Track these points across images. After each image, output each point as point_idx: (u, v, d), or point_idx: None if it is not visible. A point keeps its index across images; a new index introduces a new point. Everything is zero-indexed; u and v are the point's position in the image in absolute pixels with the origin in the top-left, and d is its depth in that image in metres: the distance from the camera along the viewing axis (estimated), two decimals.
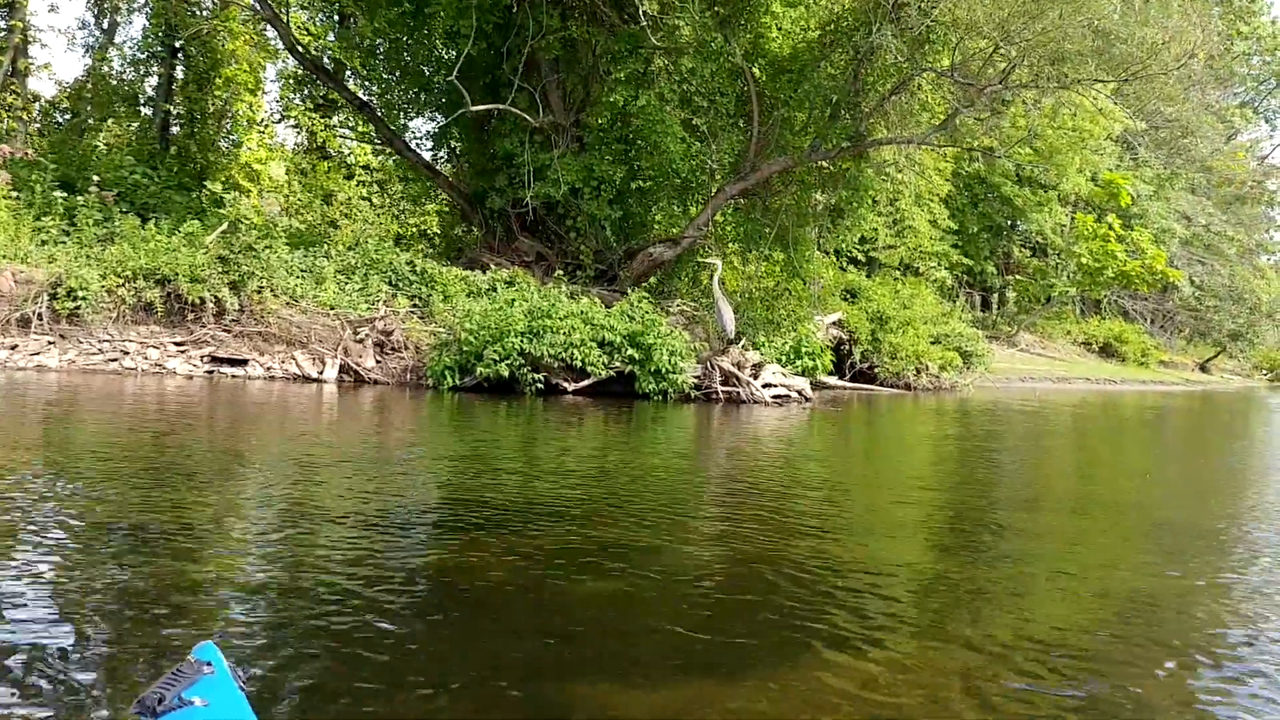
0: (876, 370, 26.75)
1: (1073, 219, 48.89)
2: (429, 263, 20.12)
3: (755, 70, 22.27)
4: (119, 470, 7.70)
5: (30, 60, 33.06)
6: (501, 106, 21.66)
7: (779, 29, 23.13)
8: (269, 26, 26.27)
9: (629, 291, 19.43)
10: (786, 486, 9.17)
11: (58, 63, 55.20)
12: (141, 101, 33.54)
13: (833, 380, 24.76)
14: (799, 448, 12.98)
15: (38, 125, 33.14)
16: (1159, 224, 50.50)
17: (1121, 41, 18.55)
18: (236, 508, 6.70)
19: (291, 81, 31.92)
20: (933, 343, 28.41)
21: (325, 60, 28.36)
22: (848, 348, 26.86)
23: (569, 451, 10.88)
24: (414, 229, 31.19)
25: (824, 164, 22.92)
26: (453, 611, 4.66)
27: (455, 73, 20.99)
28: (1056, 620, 4.89)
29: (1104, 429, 20.18)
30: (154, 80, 33.42)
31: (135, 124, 33.17)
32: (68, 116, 34.38)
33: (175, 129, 33.75)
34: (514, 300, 17.34)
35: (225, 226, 17.85)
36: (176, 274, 16.67)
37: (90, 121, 33.67)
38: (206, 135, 33.54)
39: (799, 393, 19.38)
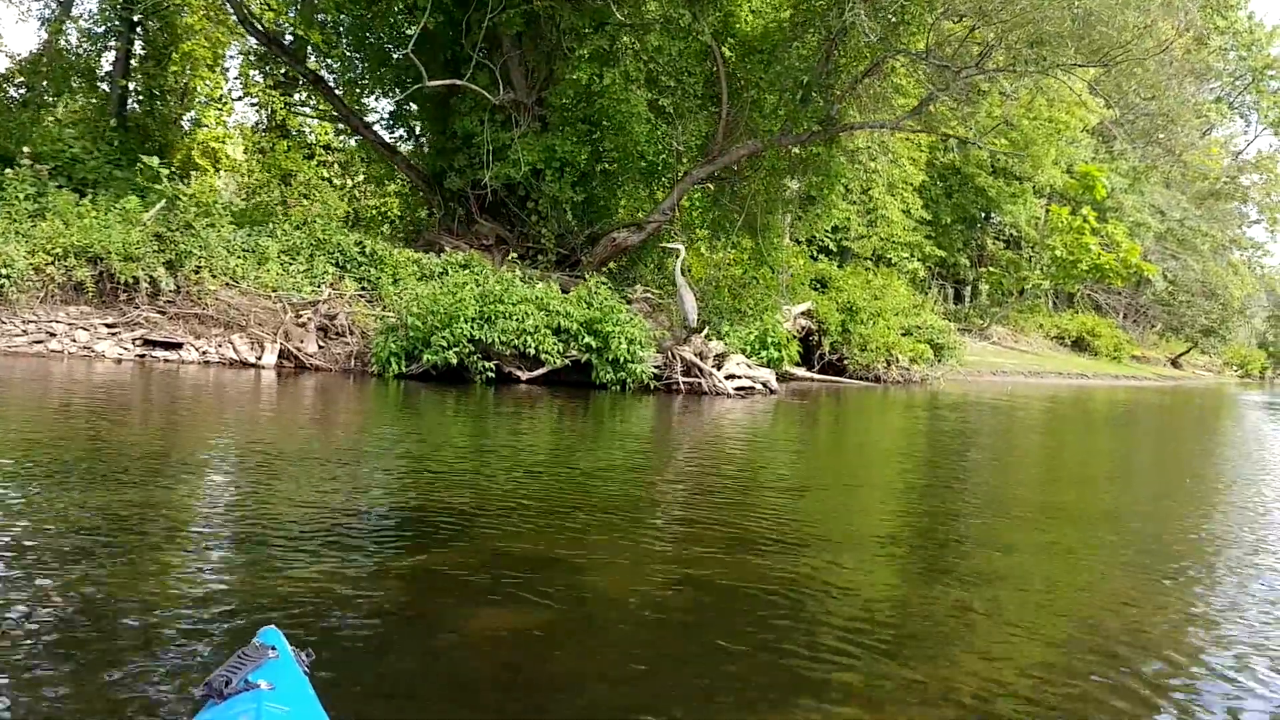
0: (846, 362, 26.07)
1: (1047, 211, 48.43)
2: (379, 243, 19.28)
3: (724, 50, 21.51)
4: (31, 470, 6.91)
5: None
6: (459, 83, 20.83)
7: (750, 9, 22.39)
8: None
9: (604, 279, 18.69)
10: (743, 491, 8.44)
11: (10, 35, 53.77)
12: (99, 77, 32.51)
13: (800, 371, 24.09)
14: (760, 445, 12.26)
15: None
16: (1134, 218, 50.12)
17: (1102, 24, 17.87)
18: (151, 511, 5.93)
19: (252, 58, 31.01)
20: (904, 335, 27.78)
21: (287, 37, 27.51)
22: (817, 338, 26.16)
23: (509, 447, 10.12)
24: (374, 211, 30.31)
25: (794, 148, 22.18)
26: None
27: (413, 47, 20.11)
28: (1025, 661, 4.18)
29: (1075, 426, 19.59)
30: (111, 55, 32.45)
31: (93, 100, 32.18)
32: (22, 91, 33.21)
33: (135, 106, 32.86)
34: (465, 284, 16.53)
35: (163, 203, 16.93)
36: (109, 252, 15.77)
37: (46, 98, 32.58)
38: (165, 112, 32.63)
39: (764, 384, 18.69)
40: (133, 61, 32.49)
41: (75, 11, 34.46)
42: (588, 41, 20.50)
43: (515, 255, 20.25)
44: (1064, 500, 9.16)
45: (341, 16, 23.38)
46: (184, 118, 33.26)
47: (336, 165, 35.36)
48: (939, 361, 28.65)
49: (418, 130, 26.42)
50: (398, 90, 24.43)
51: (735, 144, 21.85)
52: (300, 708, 2.60)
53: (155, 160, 17.26)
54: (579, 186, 21.49)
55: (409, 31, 21.06)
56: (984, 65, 19.49)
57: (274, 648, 2.77)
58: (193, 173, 33.01)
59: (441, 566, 5.09)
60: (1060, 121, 41.66)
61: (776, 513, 7.34)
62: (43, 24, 34.54)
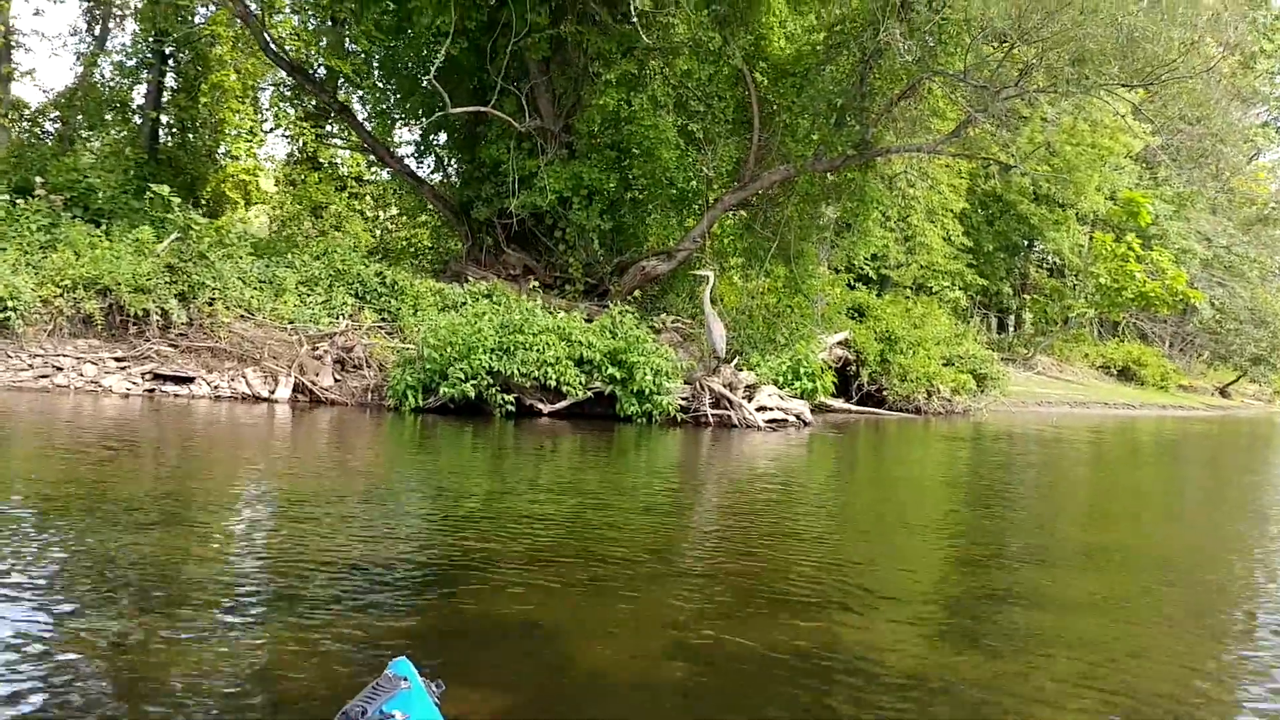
0: (885, 393, 25.27)
1: (1091, 238, 47.43)
2: (400, 274, 18.76)
3: (756, 74, 20.91)
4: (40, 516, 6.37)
5: (14, 66, 31.93)
6: (484, 109, 20.36)
7: (783, 33, 21.81)
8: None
9: (629, 308, 18.08)
10: (768, 538, 7.75)
11: (44, 69, 54.36)
12: (131, 110, 32.55)
13: (837, 403, 23.33)
14: (790, 485, 11.54)
15: (22, 133, 31.93)
16: (1179, 244, 49.01)
17: (1148, 41, 17.12)
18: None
19: (284, 90, 30.82)
20: (945, 364, 26.96)
21: (319, 68, 27.28)
22: (854, 369, 25.40)
23: (520, 490, 9.49)
24: (403, 242, 29.90)
25: (829, 174, 21.50)
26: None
27: (435, 74, 19.64)
28: None
29: (1122, 459, 18.75)
30: (144, 88, 32.48)
31: (125, 132, 32.21)
32: (57, 126, 33.27)
33: (168, 139, 32.84)
34: (484, 314, 15.95)
35: (176, 234, 16.50)
36: (119, 284, 15.33)
37: (80, 132, 32.64)
38: (197, 145, 32.55)
39: (797, 416, 17.99)
40: (165, 95, 32.56)
41: (109, 45, 34.57)
42: (615, 66, 19.97)
43: (536, 284, 19.67)
44: (1113, 542, 8.43)
45: (372, 46, 23.01)
46: (217, 151, 33.14)
47: (369, 197, 35.11)
48: (982, 392, 27.79)
49: (446, 160, 25.98)
50: (424, 119, 24.04)
51: (767, 169, 21.22)
52: None
53: (166, 189, 16.86)
54: (607, 214, 20.92)
55: (433, 57, 20.63)
56: (1024, 86, 18.75)
57: (406, 678, 2.90)
58: (225, 206, 32.90)
59: (432, 626, 4.49)
60: (1103, 147, 40.75)
61: (803, 564, 6.66)
62: (77, 58, 34.70)
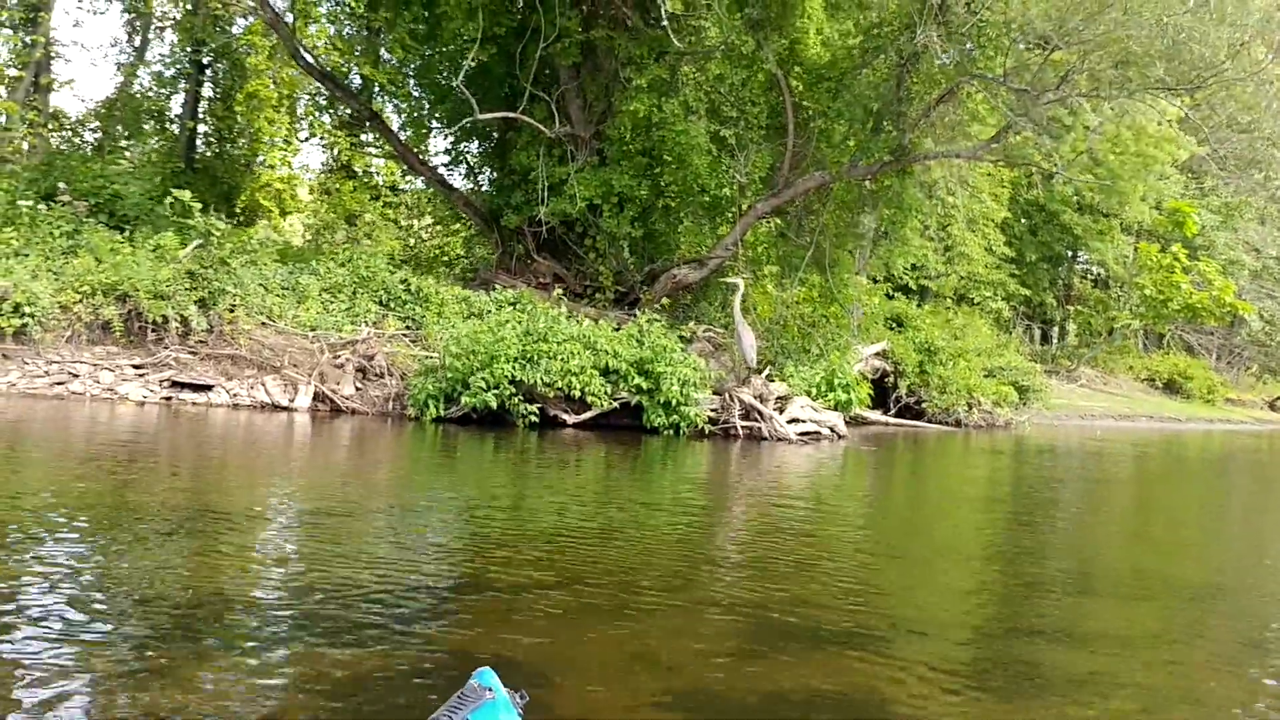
0: (924, 405, 24.69)
1: (1136, 249, 46.55)
2: (425, 281, 18.43)
3: (791, 79, 20.46)
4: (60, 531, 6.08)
5: (54, 76, 32.06)
6: (513, 115, 20.04)
7: (819, 36, 21.35)
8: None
9: (657, 317, 17.68)
10: (798, 565, 7.21)
11: (83, 79, 54.85)
12: (169, 119, 32.71)
13: (875, 415, 22.79)
14: (822, 503, 11.05)
15: (62, 143, 32.07)
16: (1227, 255, 48.00)
17: (1195, 42, 16.54)
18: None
19: (320, 99, 30.72)
20: (986, 376, 26.36)
21: (354, 77, 27.16)
22: (892, 380, 24.85)
23: (540, 509, 9.10)
24: (436, 251, 29.67)
25: (865, 180, 21.01)
26: None
27: (467, 80, 19.33)
28: None
29: (1168, 476, 18.12)
30: (181, 98, 32.62)
31: (162, 142, 32.38)
32: (97, 136, 33.46)
33: (204, 149, 32.94)
34: (507, 321, 15.58)
35: (198, 240, 16.25)
36: (137, 290, 15.09)
37: (120, 142, 32.85)
38: (234, 154, 32.61)
39: (830, 429, 17.50)
40: (201, 105, 32.67)
41: (148, 55, 34.73)
42: (646, 71, 19.58)
43: (560, 292, 19.30)
44: (1158, 568, 7.92)
45: (407, 55, 22.80)
46: (255, 160, 33.17)
47: (403, 206, 34.98)
48: (1024, 405, 27.15)
49: (477, 168, 25.72)
50: (456, 127, 23.78)
51: (802, 176, 20.75)
52: None
53: (187, 195, 16.61)
54: (638, 222, 20.52)
55: (470, 65, 20.32)
56: (1066, 90, 18.19)
57: (490, 689, 2.92)
58: (260, 215, 32.87)
59: (436, 658, 4.12)
60: (1148, 156, 39.90)
61: (829, 594, 6.20)
62: (117, 68, 34.88)
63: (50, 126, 31.25)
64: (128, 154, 31.62)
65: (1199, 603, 6.60)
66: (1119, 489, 14.60)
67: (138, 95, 32.55)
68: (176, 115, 32.50)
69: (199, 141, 33.15)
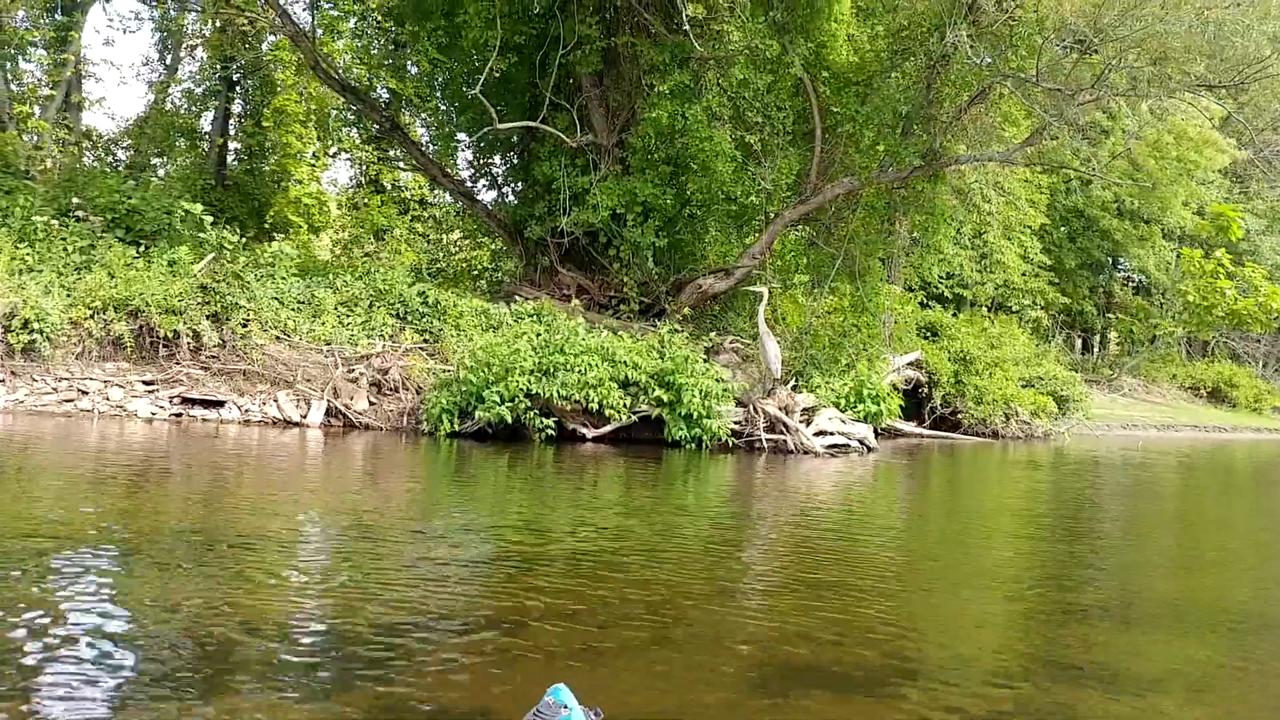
0: (960, 416, 24.05)
1: (1178, 254, 45.60)
2: (443, 293, 18.06)
3: (818, 83, 19.96)
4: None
5: (85, 95, 32.11)
6: (533, 125, 19.70)
7: (849, 44, 20.84)
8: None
9: (678, 327, 17.21)
10: (818, 593, 6.68)
11: (114, 97, 55.33)
12: (200, 136, 32.85)
13: (908, 426, 22.18)
14: (851, 522, 10.47)
15: (93, 161, 32.13)
16: (1273, 260, 46.93)
17: (1238, 36, 15.91)
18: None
19: (347, 114, 30.57)
20: (1024, 386, 25.68)
21: (382, 90, 26.92)
22: (926, 390, 24.22)
23: (553, 531, 8.66)
24: (462, 264, 29.37)
25: (895, 186, 20.45)
26: None
27: (485, 89, 18.97)
28: None
29: (1214, 489, 17.42)
30: (211, 114, 32.72)
31: (193, 159, 32.49)
32: (130, 154, 33.60)
33: (235, 165, 32.98)
34: (523, 334, 15.16)
35: (212, 255, 15.97)
36: (149, 304, 14.81)
37: (152, 159, 33.01)
38: (264, 170, 32.62)
39: (860, 441, 16.96)
40: (231, 121, 32.74)
41: (180, 73, 34.82)
42: (669, 78, 19.13)
43: (577, 302, 18.88)
44: (1206, 595, 7.35)
45: (434, 69, 22.51)
46: (289, 176, 33.13)
47: (432, 220, 34.79)
48: (1063, 415, 26.42)
49: (502, 180, 25.39)
50: (477, 137, 23.46)
51: (831, 183, 20.25)
52: None
53: (199, 207, 16.34)
54: (663, 232, 20.06)
55: (489, 73, 19.97)
56: (1101, 88, 17.59)
57: (566, 705, 3.00)
58: (289, 230, 32.73)
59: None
60: (1189, 160, 39.04)
61: (850, 627, 5.69)
62: (149, 86, 34.98)
63: (82, 145, 31.29)
64: (160, 172, 31.73)
65: (1249, 636, 6.04)
66: (1164, 504, 13.98)
67: (169, 112, 32.65)
68: (206, 132, 32.59)
69: (230, 158, 33.23)
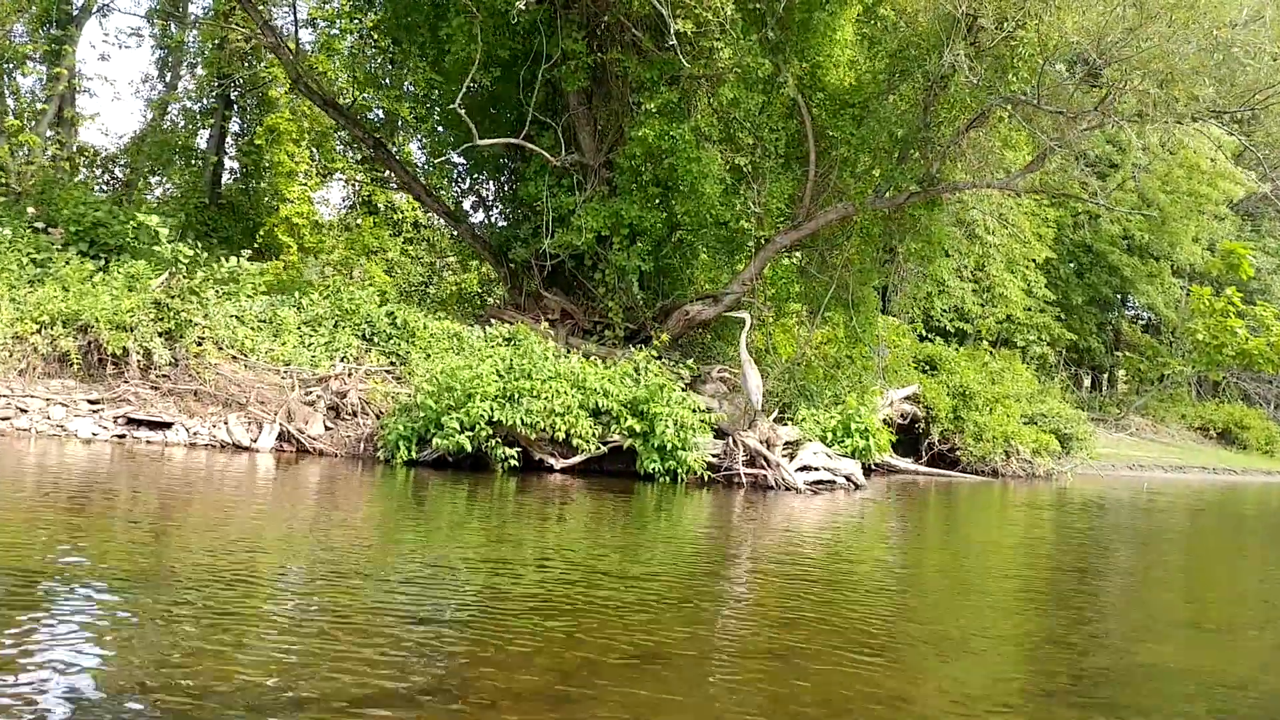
0: (958, 452, 23.17)
1: (1187, 292, 44.79)
2: (412, 314, 17.28)
3: (812, 105, 19.22)
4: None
5: (78, 110, 31.58)
6: (514, 141, 18.99)
7: (849, 65, 20.11)
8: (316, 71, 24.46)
9: (656, 353, 16.40)
10: (780, 661, 5.94)
11: (108, 114, 55.11)
12: (196, 154, 32.43)
13: (904, 463, 21.32)
14: (830, 569, 9.54)
15: (84, 178, 31.60)
16: None
17: (1250, 59, 15.16)
18: None
19: (342, 135, 30.02)
20: (1026, 423, 24.79)
21: (378, 111, 26.29)
22: (923, 425, 23.37)
23: (513, 573, 7.84)
24: (451, 287, 28.71)
25: (890, 212, 19.68)
26: None
27: (467, 104, 18.16)
28: None
29: (1224, 536, 16.51)
30: (206, 133, 32.30)
31: (188, 177, 32.06)
32: (126, 172, 33.18)
33: (230, 184, 32.57)
34: (488, 357, 14.36)
35: (169, 270, 15.22)
36: (97, 320, 14.06)
37: (149, 178, 32.65)
38: (259, 189, 32.18)
39: (846, 478, 16.11)
40: (227, 140, 32.32)
41: (178, 90, 34.42)
42: (657, 96, 18.40)
43: (546, 324, 18.12)
44: (1217, 666, 6.46)
45: (430, 90, 21.84)
46: (286, 195, 32.60)
47: (426, 242, 34.24)
48: (1066, 454, 25.52)
49: (491, 202, 24.69)
50: (464, 157, 22.77)
51: (824, 208, 19.50)
52: None
53: (155, 219, 15.55)
54: (650, 255, 19.26)
55: (469, 87, 19.24)
56: (1105, 111, 16.83)
57: None
58: (279, 250, 32.09)
59: None
60: (1200, 195, 38.28)
61: (834, 699, 4.83)
62: (146, 104, 34.58)
63: (76, 160, 30.79)
64: (156, 191, 31.36)
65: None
66: (1171, 554, 13.07)
67: (167, 130, 32.26)
68: (202, 151, 32.11)
69: (225, 177, 32.79)
